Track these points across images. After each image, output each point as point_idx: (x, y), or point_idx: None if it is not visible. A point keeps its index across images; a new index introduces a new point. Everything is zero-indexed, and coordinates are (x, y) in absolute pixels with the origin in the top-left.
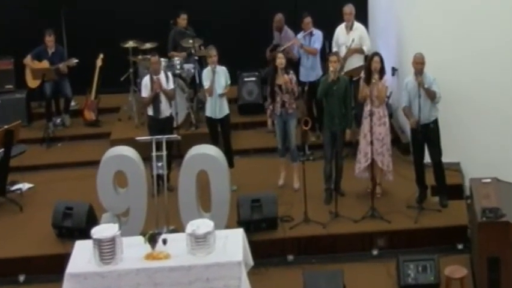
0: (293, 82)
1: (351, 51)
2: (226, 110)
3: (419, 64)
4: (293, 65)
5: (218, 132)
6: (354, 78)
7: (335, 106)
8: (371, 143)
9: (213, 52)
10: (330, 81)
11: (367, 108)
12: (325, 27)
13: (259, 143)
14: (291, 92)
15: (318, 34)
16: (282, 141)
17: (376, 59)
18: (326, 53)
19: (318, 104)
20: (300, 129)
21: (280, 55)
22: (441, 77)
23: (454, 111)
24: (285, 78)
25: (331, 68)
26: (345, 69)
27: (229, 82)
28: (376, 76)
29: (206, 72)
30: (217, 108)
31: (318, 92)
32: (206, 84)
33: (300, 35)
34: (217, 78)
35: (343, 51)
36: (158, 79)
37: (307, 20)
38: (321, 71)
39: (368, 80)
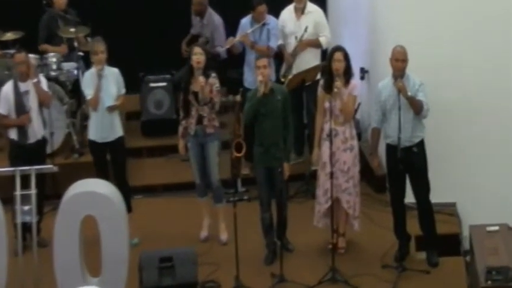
0: (213, 88)
1: (304, 44)
2: (118, 131)
3: (399, 62)
4: (229, 62)
5: (107, 163)
6: (308, 83)
7: (269, 131)
8: (332, 175)
9: (99, 47)
10: (260, 96)
11: (327, 127)
12: (271, 11)
13: (171, 176)
14: (209, 102)
15: (274, 25)
16: (200, 174)
17: (338, 55)
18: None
19: (247, 130)
20: (230, 157)
21: (197, 50)
22: (432, 84)
23: (447, 132)
24: (200, 82)
25: (259, 78)
26: (295, 70)
27: (123, 90)
28: (339, 81)
29: (88, 76)
30: (104, 127)
31: (245, 113)
32: (88, 93)
33: (246, 22)
34: (105, 84)
35: (292, 45)
36: (35, 84)
37: (262, 8)
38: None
39: (327, 87)
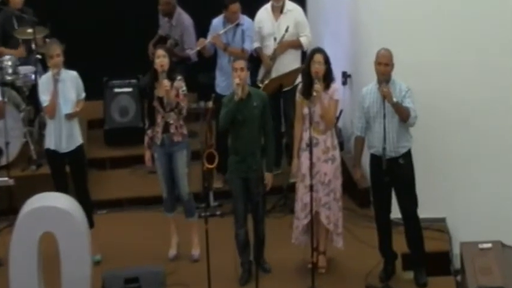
0: (180, 92)
1: (284, 46)
2: (77, 140)
3: (382, 66)
4: (200, 66)
5: (66, 174)
6: (286, 89)
7: (247, 139)
8: (311, 188)
9: (54, 49)
10: (237, 101)
11: (306, 136)
12: (248, 12)
13: (137, 189)
14: (176, 108)
15: (248, 26)
16: (168, 187)
17: (318, 57)
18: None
19: (220, 138)
20: (201, 168)
21: (160, 52)
22: (420, 90)
23: (436, 141)
24: (165, 86)
25: (236, 80)
26: (274, 74)
27: (83, 95)
28: (319, 85)
29: (45, 81)
30: (63, 136)
31: (220, 119)
32: (45, 99)
33: (218, 23)
34: (62, 89)
35: (270, 47)
36: None
37: (235, 7)
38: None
39: (306, 91)
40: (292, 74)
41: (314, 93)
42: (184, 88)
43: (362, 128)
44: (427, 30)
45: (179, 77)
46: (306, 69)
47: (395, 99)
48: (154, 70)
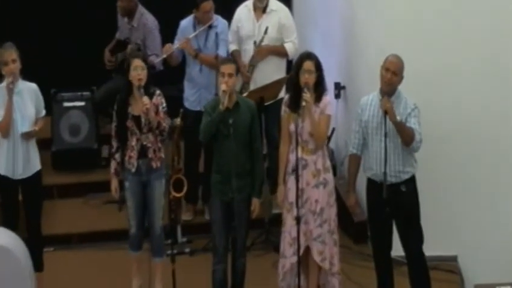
0: (160, 110)
1: (264, 51)
2: (35, 165)
3: (389, 73)
4: (166, 76)
5: (17, 205)
6: (268, 103)
7: (232, 156)
8: (297, 220)
9: (10, 55)
10: (222, 110)
11: (293, 158)
12: (222, 11)
13: (91, 223)
14: (157, 128)
15: (223, 28)
16: (138, 220)
17: (308, 65)
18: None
19: (190, 162)
20: (168, 197)
21: (137, 63)
22: (424, 105)
23: (444, 166)
24: (145, 103)
25: (223, 87)
26: (253, 85)
27: (43, 112)
28: (309, 94)
29: None
30: (19, 160)
31: (201, 129)
32: None
33: (188, 25)
34: (19, 103)
35: (249, 52)
36: None
37: (208, 5)
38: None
39: (293, 104)
40: (276, 85)
41: (303, 103)
42: (165, 105)
43: (358, 145)
44: (437, 31)
45: (157, 92)
46: (294, 79)
47: (398, 118)
48: (128, 84)
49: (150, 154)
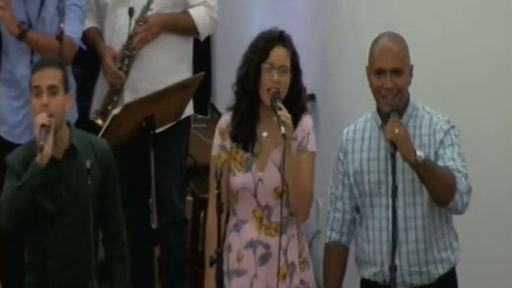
0: None
1: (155, 28)
2: None
3: (387, 78)
4: None
5: None
6: (162, 129)
7: (67, 252)
8: None
9: None
10: (40, 165)
11: (239, 239)
12: None
13: None
14: None
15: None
16: None
17: (280, 53)
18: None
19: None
20: None
21: None
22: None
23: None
24: None
25: (41, 118)
26: (132, 94)
27: None
28: (287, 114)
29: None
30: None
31: (2, 208)
32: None
33: None
34: None
35: (123, 30)
36: None
37: None
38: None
39: (242, 135)
40: (177, 91)
41: (275, 118)
42: None
43: (341, 224)
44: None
45: None
46: (246, 81)
47: (418, 153)
48: None
49: None
